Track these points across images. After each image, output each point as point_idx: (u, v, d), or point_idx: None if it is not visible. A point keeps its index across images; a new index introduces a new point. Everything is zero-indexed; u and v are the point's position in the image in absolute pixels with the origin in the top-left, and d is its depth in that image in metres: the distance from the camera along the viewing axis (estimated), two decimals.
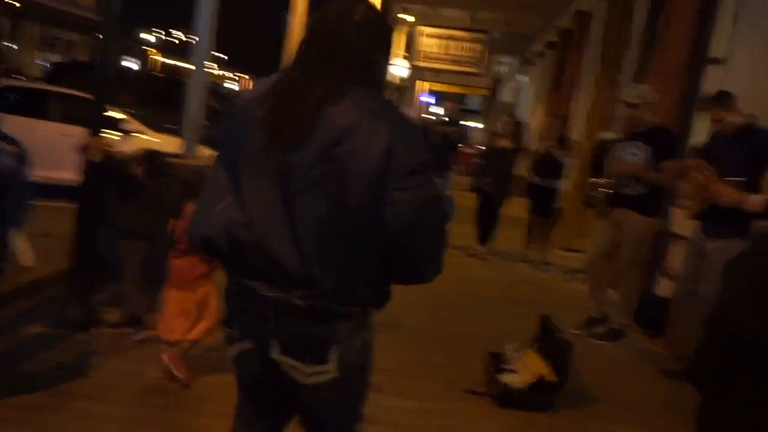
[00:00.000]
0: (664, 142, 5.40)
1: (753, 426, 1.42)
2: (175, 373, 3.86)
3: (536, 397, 4.14)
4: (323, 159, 1.82)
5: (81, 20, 28.05)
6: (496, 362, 4.43)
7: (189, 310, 3.90)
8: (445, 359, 4.86)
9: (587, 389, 4.58)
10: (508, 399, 4.13)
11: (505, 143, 9.50)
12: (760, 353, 1.37)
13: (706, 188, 4.40)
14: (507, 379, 4.23)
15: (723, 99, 4.66)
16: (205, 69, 6.76)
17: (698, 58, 6.77)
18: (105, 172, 4.48)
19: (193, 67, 6.93)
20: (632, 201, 5.47)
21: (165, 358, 3.88)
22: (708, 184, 4.40)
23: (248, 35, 56.04)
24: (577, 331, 5.57)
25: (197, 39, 6.36)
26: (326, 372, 1.96)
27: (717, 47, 6.50)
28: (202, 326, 3.90)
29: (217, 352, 4.10)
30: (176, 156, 6.38)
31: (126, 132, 9.11)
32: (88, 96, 5.33)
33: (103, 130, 4.61)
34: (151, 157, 4.63)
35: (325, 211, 1.83)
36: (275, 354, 1.96)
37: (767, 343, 1.36)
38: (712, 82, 6.53)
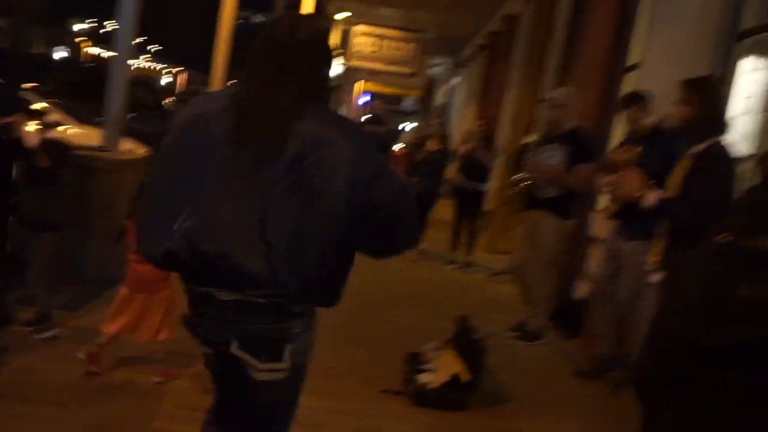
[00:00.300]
0: (582, 144, 5.46)
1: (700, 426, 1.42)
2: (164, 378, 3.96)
3: (451, 396, 4.16)
4: (291, 171, 1.95)
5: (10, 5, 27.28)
6: (415, 362, 4.44)
7: (152, 310, 3.94)
8: (365, 358, 4.85)
9: (503, 388, 4.62)
10: (424, 398, 4.15)
11: (430, 145, 9.57)
12: (705, 357, 1.37)
13: (624, 166, 4.38)
14: (424, 378, 4.24)
15: (640, 100, 4.78)
16: (131, 60, 6.53)
17: (616, 63, 6.95)
18: (8, 161, 4.40)
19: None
20: (547, 203, 5.58)
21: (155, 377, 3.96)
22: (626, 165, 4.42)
23: (183, 28, 54.96)
24: (513, 335, 5.69)
25: (118, 26, 6.15)
26: (280, 370, 2.08)
27: (633, 53, 6.69)
28: (150, 327, 3.94)
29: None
30: (97, 148, 6.23)
31: (46, 123, 8.98)
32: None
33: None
34: (51, 146, 4.47)
35: (296, 219, 1.96)
36: (234, 349, 2.04)
37: (714, 346, 1.35)
38: (627, 85, 6.72)
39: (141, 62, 58.33)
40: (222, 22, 9.05)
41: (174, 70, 56.68)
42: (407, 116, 40.92)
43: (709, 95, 3.66)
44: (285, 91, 2.02)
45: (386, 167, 2.16)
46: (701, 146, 3.66)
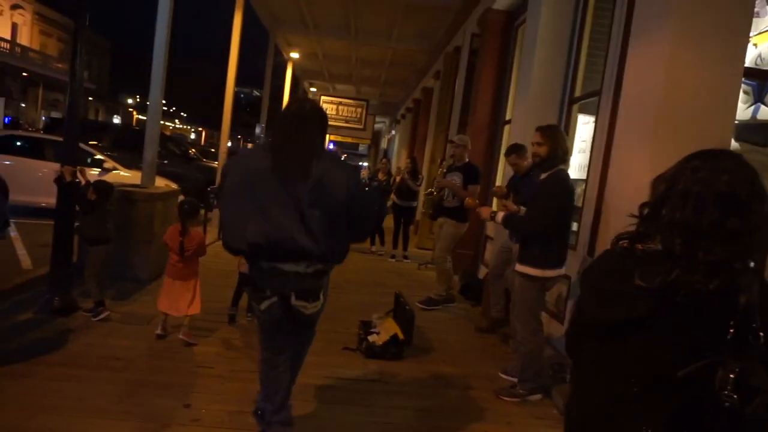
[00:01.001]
0: (472, 173, 5.60)
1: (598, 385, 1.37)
2: (189, 340, 3.98)
3: (391, 350, 4.13)
4: (316, 188, 2.31)
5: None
6: (365, 327, 4.41)
7: (182, 295, 3.99)
8: (329, 326, 4.73)
9: (427, 342, 4.62)
10: (372, 352, 4.11)
11: (380, 176, 9.64)
12: (606, 328, 1.33)
13: (476, 207, 4.55)
14: (372, 338, 4.22)
15: (520, 149, 4.69)
16: (167, 123, 6.43)
17: (497, 119, 7.08)
18: (71, 196, 4.34)
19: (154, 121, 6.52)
20: (450, 211, 5.66)
21: (181, 335, 3.99)
22: (476, 206, 4.59)
23: (201, 100, 54.24)
24: (420, 305, 5.67)
25: (149, 99, 6.07)
26: (319, 303, 2.48)
27: (507, 112, 6.82)
28: (194, 306, 4.01)
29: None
30: (137, 185, 6.14)
31: (104, 168, 8.91)
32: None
33: (77, 164, 4.47)
34: (98, 184, 4.43)
35: (322, 215, 2.33)
36: (293, 301, 2.40)
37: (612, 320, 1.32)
38: (504, 134, 6.84)
39: (175, 124, 57.30)
40: (226, 95, 9.01)
41: (196, 129, 55.82)
42: (362, 157, 40.94)
43: (555, 137, 3.64)
44: (305, 142, 2.38)
45: (364, 188, 2.75)
46: (545, 175, 3.57)
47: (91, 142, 9.92)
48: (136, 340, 3.91)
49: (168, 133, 30.28)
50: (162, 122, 8.05)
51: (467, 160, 5.65)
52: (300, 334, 2.62)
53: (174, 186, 7.94)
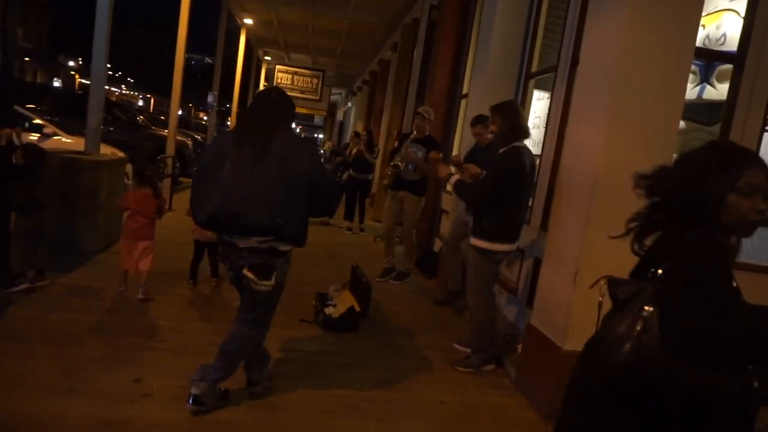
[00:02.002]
0: (434, 145, 5.54)
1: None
2: (148, 297, 4.19)
3: (347, 323, 4.11)
4: (275, 165, 2.48)
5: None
6: (322, 299, 4.36)
7: (142, 252, 4.18)
8: (285, 299, 4.64)
9: (383, 315, 4.62)
10: (329, 324, 4.08)
11: (327, 145, 9.50)
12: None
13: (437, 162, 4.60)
14: (329, 311, 4.18)
15: (485, 119, 4.59)
16: (104, 86, 6.07)
17: (454, 93, 7.05)
18: (6, 161, 3.97)
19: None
20: (410, 185, 5.61)
21: (140, 295, 4.16)
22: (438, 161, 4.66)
23: (150, 64, 51.61)
24: (378, 278, 5.67)
25: (93, 62, 5.69)
26: (269, 285, 2.58)
27: (464, 86, 6.80)
28: (145, 263, 4.19)
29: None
30: (81, 152, 5.78)
31: (44, 134, 8.41)
32: None
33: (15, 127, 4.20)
34: (27, 147, 4.14)
35: (283, 189, 2.47)
36: (245, 271, 2.56)
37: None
38: (461, 108, 6.83)
39: (122, 90, 54.68)
40: (176, 61, 8.62)
41: (144, 96, 53.56)
42: (318, 129, 40.31)
43: (509, 113, 3.63)
44: (266, 122, 2.60)
45: (324, 166, 2.88)
46: (503, 150, 3.58)
47: (28, 106, 9.28)
48: (82, 314, 3.72)
49: (114, 98, 28.74)
50: (107, 87, 7.62)
51: (427, 132, 5.60)
52: (254, 304, 2.71)
53: (121, 154, 7.58)
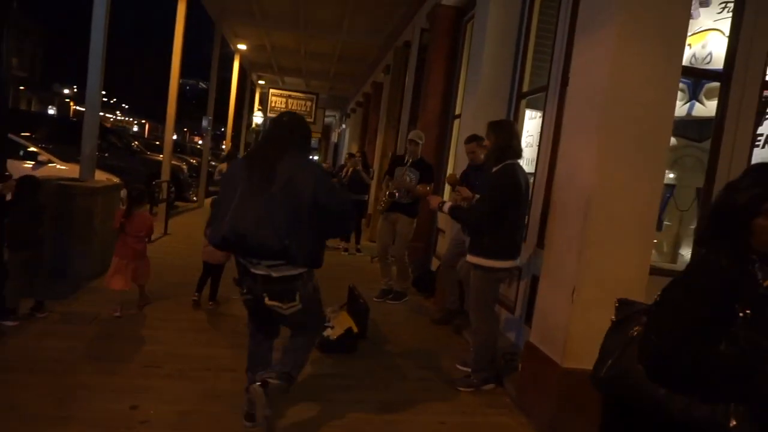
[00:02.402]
0: (427, 170, 5.59)
1: None
2: (146, 303, 4.57)
3: (345, 344, 4.09)
4: (284, 188, 2.48)
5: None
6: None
7: (133, 269, 4.33)
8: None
9: (381, 335, 4.60)
10: (327, 346, 4.05)
11: (326, 165, 9.54)
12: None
13: (428, 195, 4.54)
14: (327, 332, 4.14)
15: (479, 139, 4.64)
16: (98, 112, 6.04)
17: (446, 114, 7.13)
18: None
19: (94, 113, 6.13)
20: (403, 207, 5.64)
21: (138, 305, 4.48)
22: (428, 194, 4.60)
23: (144, 91, 51.92)
24: (375, 299, 5.65)
25: (87, 89, 5.70)
26: (295, 305, 2.59)
27: (457, 107, 6.88)
28: (143, 276, 4.48)
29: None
30: (76, 179, 5.76)
31: (38, 161, 8.40)
32: None
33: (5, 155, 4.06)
34: (24, 181, 4.01)
35: (291, 213, 2.47)
36: (267, 301, 2.59)
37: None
38: (454, 129, 6.90)
39: (116, 116, 54.85)
40: (170, 86, 8.65)
41: (139, 121, 53.65)
42: (313, 151, 40.44)
43: (501, 131, 3.66)
44: (274, 146, 2.63)
45: (333, 186, 2.80)
46: (496, 168, 3.60)
47: (23, 134, 9.30)
48: (77, 341, 3.68)
49: (109, 125, 28.75)
50: (102, 114, 7.67)
51: (422, 156, 5.66)
52: (290, 324, 2.78)
53: (116, 180, 7.59)
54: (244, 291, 2.65)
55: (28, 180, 4.08)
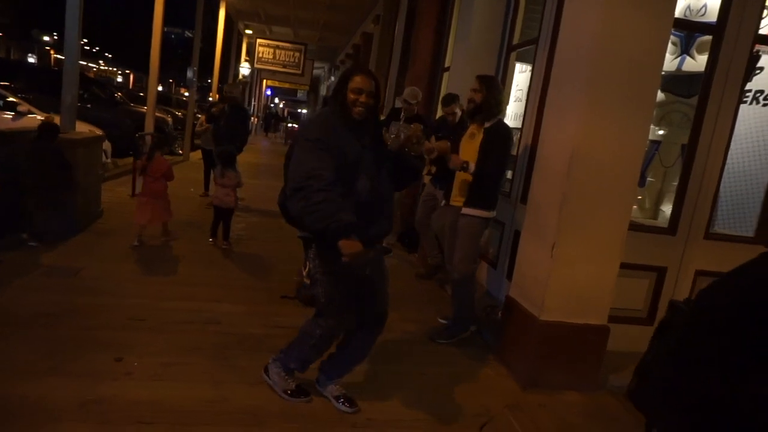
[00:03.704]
0: (424, 125, 5.47)
1: None
2: (171, 237, 5.32)
3: None
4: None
5: None
6: (303, 275, 4.35)
7: (152, 208, 4.96)
8: (267, 276, 4.72)
9: None
10: (309, 300, 4.08)
11: None
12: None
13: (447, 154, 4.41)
14: (305, 280, 4.16)
15: (456, 98, 4.70)
16: (78, 61, 5.78)
17: (436, 66, 6.97)
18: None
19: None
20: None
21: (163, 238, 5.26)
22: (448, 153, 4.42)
23: (128, 40, 50.14)
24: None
25: (66, 36, 5.46)
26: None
27: (447, 59, 6.73)
28: (166, 214, 5.16)
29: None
30: None
31: (18, 112, 8.20)
32: None
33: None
34: (45, 126, 4.80)
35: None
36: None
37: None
38: (444, 81, 6.77)
39: (100, 66, 53.32)
40: (153, 35, 8.34)
41: (123, 72, 52.26)
42: (301, 104, 39.77)
43: (492, 87, 3.65)
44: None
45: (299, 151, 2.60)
46: (489, 124, 3.61)
47: (1, 83, 9.02)
48: (63, 294, 3.68)
49: (92, 75, 27.93)
50: (85, 63, 7.44)
51: (416, 112, 5.53)
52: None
53: (98, 131, 7.43)
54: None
55: (49, 125, 4.81)
